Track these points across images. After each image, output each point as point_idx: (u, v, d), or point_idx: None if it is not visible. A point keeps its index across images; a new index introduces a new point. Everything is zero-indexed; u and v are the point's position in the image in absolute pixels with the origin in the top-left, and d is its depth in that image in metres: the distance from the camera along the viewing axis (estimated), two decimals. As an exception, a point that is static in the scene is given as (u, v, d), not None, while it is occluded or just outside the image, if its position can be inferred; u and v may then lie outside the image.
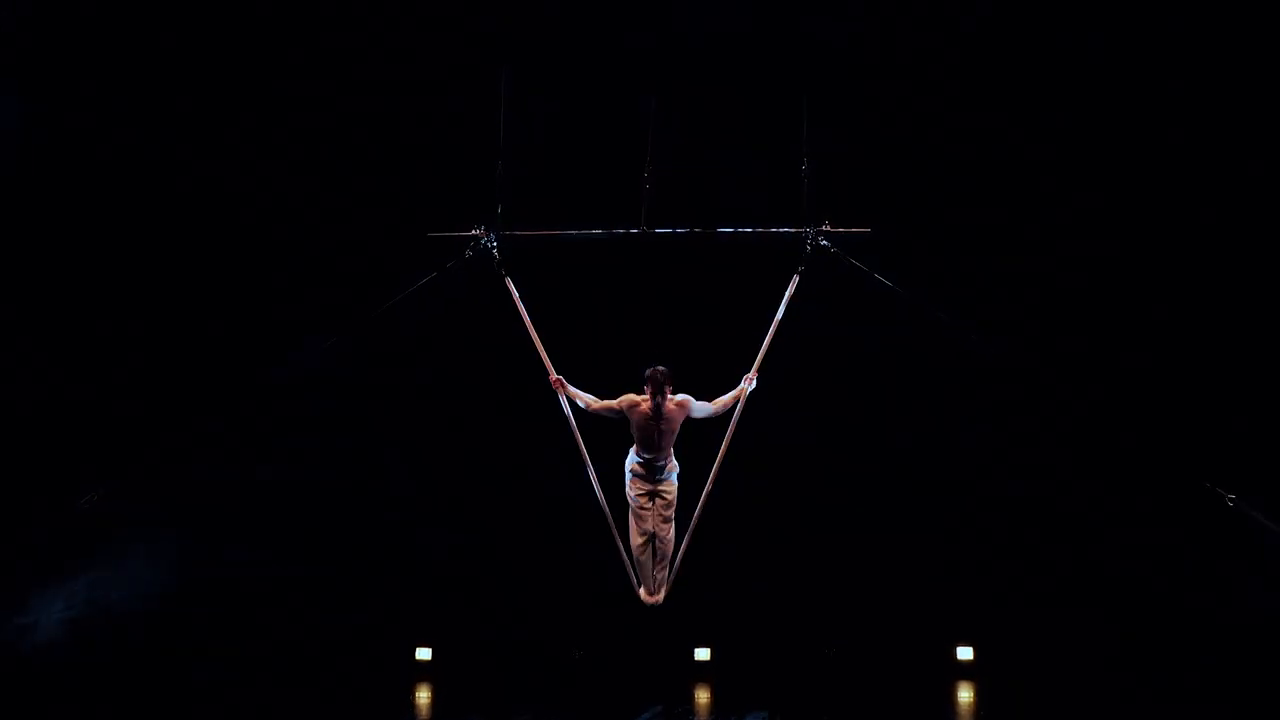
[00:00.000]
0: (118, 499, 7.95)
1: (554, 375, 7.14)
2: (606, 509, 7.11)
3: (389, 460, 10.08)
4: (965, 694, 9.50)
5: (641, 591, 7.25)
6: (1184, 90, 9.51)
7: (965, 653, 10.01)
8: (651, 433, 7.08)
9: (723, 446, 7.08)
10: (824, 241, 7.16)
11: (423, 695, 9.37)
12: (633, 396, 7.12)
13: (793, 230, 7.26)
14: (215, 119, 9.64)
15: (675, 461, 7.27)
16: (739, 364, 7.18)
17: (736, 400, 7.15)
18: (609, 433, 7.35)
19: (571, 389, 7.17)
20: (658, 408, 7.03)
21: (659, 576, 7.25)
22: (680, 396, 7.12)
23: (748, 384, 7.13)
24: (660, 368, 7.06)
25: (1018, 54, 9.63)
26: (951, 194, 9.82)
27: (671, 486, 7.25)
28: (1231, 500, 7.54)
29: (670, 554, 7.21)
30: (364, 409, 9.95)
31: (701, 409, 7.19)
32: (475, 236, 7.29)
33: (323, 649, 9.77)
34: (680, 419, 7.13)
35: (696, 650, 10.04)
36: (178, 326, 9.67)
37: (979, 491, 9.88)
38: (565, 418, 7.14)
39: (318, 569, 9.81)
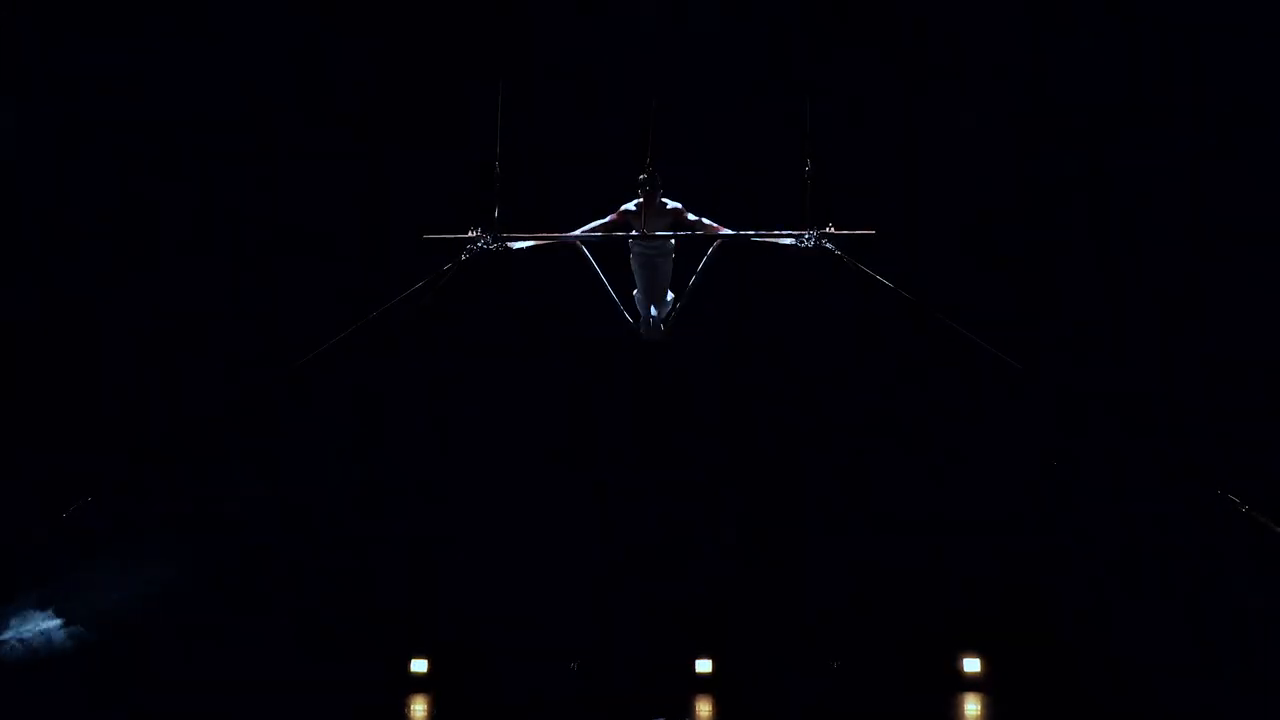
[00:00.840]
0: (110, 504, 7.86)
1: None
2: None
3: (385, 467, 10.01)
4: (972, 707, 9.43)
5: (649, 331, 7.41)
6: (1192, 91, 9.41)
7: (972, 664, 9.89)
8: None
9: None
10: (827, 244, 7.04)
11: (418, 708, 9.31)
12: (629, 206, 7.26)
13: (796, 233, 7.13)
14: (212, 121, 9.58)
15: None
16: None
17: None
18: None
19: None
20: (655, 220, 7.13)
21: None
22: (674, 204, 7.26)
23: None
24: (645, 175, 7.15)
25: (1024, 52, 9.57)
26: (956, 196, 9.71)
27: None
28: (1245, 509, 7.42)
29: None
30: (360, 414, 9.88)
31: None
32: (472, 239, 7.17)
33: (316, 660, 9.66)
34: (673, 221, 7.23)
35: (698, 662, 9.90)
36: (175, 331, 9.61)
37: (984, 496, 9.78)
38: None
39: (312, 579, 9.77)
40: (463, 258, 7.19)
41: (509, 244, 7.21)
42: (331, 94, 9.68)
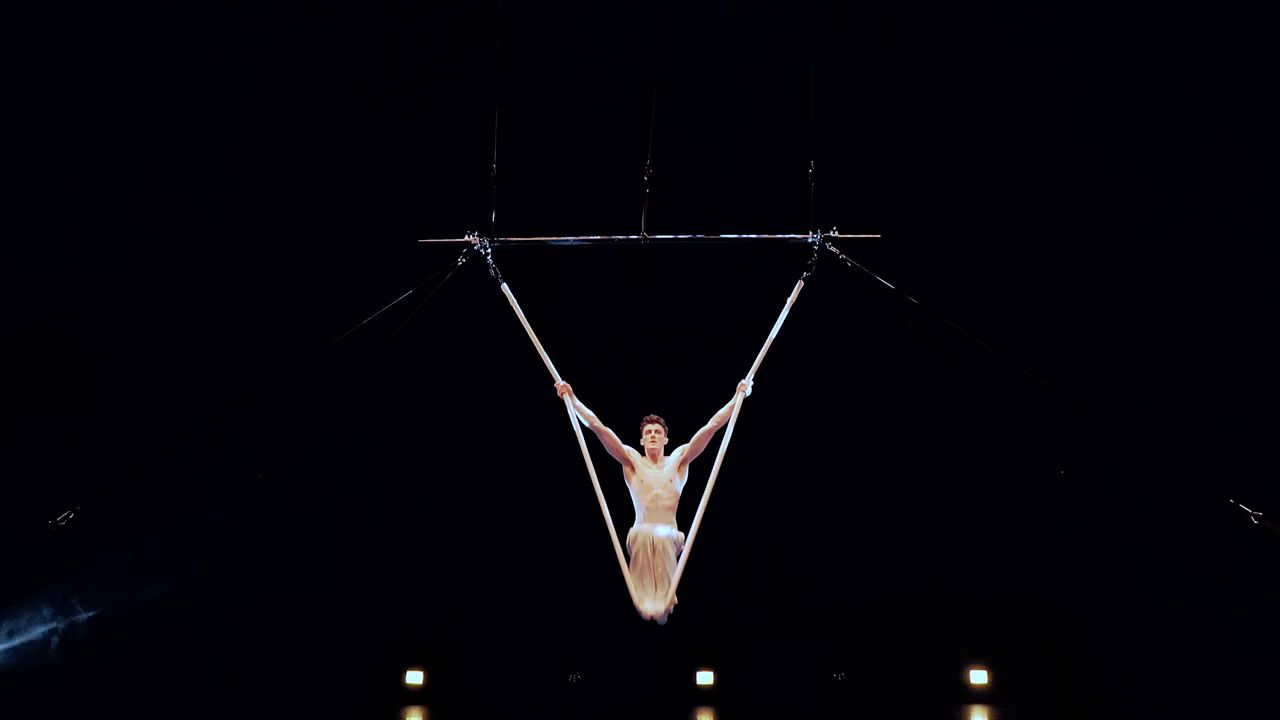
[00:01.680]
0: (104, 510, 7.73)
1: (560, 382, 6.79)
2: (610, 523, 6.58)
3: (380, 475, 9.91)
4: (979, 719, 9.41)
5: (646, 606, 6.58)
6: (1208, 93, 9.26)
7: (979, 676, 9.77)
8: (655, 490, 6.65)
9: (720, 454, 6.62)
10: (832, 248, 6.85)
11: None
12: (634, 452, 6.74)
13: (799, 236, 6.93)
14: (205, 125, 9.48)
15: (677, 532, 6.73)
16: (738, 373, 6.86)
17: (731, 410, 6.72)
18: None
19: (577, 401, 6.79)
20: (657, 473, 6.67)
21: (661, 589, 6.63)
22: (673, 455, 6.73)
23: (742, 391, 6.75)
24: (651, 424, 6.75)
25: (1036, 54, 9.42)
26: (966, 199, 9.59)
27: (672, 540, 6.67)
28: (1257, 517, 7.26)
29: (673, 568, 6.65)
30: (357, 423, 9.69)
31: (694, 445, 6.76)
32: (468, 243, 7.00)
33: (313, 670, 9.62)
34: (679, 479, 6.71)
35: (699, 674, 9.82)
36: (169, 337, 9.51)
37: (989, 504, 9.66)
38: (572, 429, 6.73)
39: (307, 589, 9.67)
40: (459, 262, 7.00)
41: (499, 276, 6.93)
42: (325, 90, 9.58)
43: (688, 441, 6.76)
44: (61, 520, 7.25)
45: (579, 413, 6.77)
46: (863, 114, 9.32)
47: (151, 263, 9.53)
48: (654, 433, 6.75)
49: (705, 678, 9.81)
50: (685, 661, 9.79)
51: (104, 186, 9.37)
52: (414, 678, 9.80)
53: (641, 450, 6.76)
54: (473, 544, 9.85)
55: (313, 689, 9.48)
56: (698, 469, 6.83)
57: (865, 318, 8.52)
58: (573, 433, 6.70)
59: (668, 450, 6.79)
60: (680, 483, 6.74)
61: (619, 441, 6.76)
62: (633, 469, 6.72)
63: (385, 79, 9.54)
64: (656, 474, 6.70)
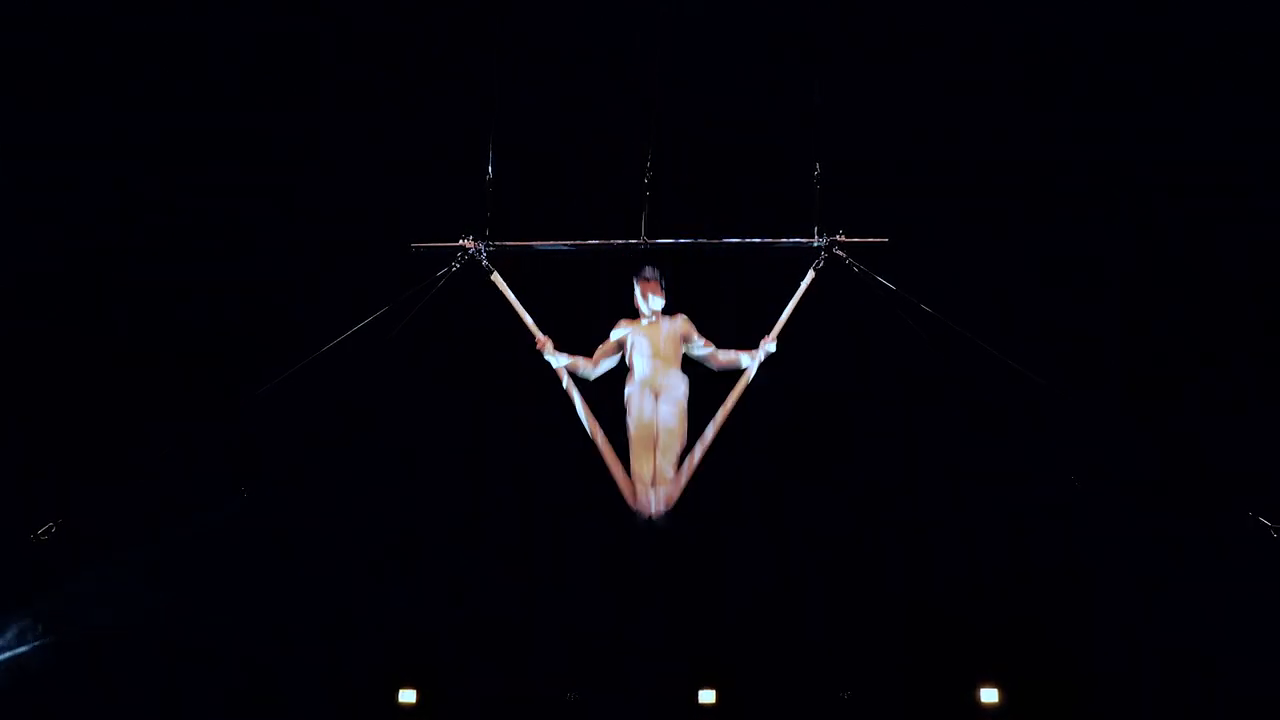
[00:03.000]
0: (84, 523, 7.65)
1: (540, 337, 6.63)
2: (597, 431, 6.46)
3: (372, 487, 9.72)
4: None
5: (644, 498, 6.30)
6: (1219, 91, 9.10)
7: (990, 695, 9.62)
8: (657, 349, 6.55)
9: (732, 397, 6.51)
10: (839, 252, 6.74)
11: None
12: (624, 321, 6.76)
13: (804, 241, 6.85)
14: (194, 129, 9.28)
15: (682, 377, 6.59)
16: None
17: (748, 360, 6.57)
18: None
19: (563, 355, 6.62)
20: (654, 319, 6.65)
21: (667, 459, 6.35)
22: (679, 321, 6.70)
23: (765, 344, 6.57)
24: (646, 269, 6.76)
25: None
26: (975, 202, 9.40)
27: (676, 410, 6.47)
28: (1277, 531, 7.40)
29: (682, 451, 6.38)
30: (347, 431, 9.47)
31: (700, 347, 6.67)
32: (463, 248, 6.89)
33: (301, 689, 9.50)
34: (680, 335, 6.63)
35: (700, 693, 9.67)
36: (150, 342, 9.30)
37: (1000, 516, 9.50)
38: (566, 392, 6.56)
39: (296, 602, 9.51)
40: (453, 268, 6.88)
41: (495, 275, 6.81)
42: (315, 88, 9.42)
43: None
44: (43, 534, 7.23)
45: (576, 367, 6.62)
46: (869, 116, 9.18)
47: (135, 263, 9.31)
48: (653, 286, 6.68)
49: (707, 696, 9.68)
50: (687, 680, 9.68)
51: (80, 185, 9.16)
52: (406, 696, 9.69)
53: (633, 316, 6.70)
54: (466, 558, 9.73)
55: (303, 706, 9.43)
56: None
57: (872, 323, 8.44)
58: (569, 403, 6.52)
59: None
60: (680, 333, 6.63)
61: (608, 341, 6.70)
62: (625, 338, 6.63)
63: (383, 79, 9.38)
64: (655, 332, 6.60)
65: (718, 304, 9.01)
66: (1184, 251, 9.27)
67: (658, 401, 6.48)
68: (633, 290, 6.79)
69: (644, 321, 6.72)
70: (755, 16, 9.24)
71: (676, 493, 6.34)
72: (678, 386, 6.53)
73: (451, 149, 8.74)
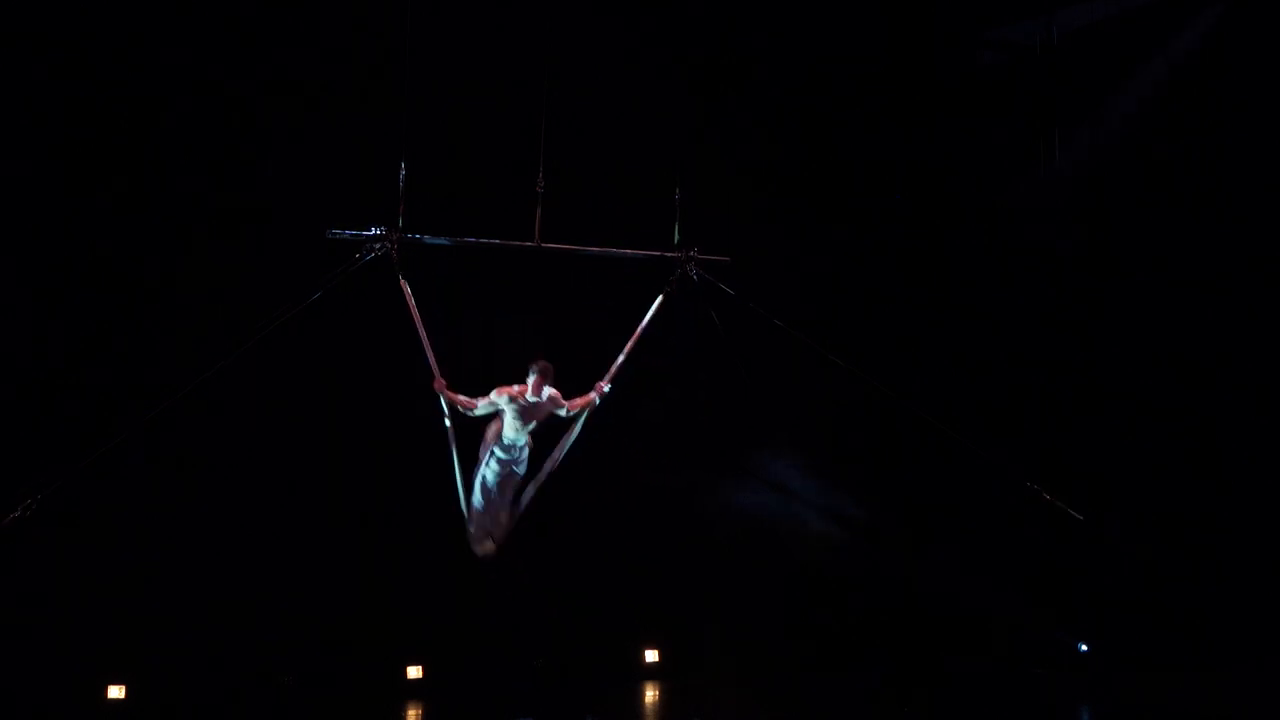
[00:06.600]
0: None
1: (439, 379, 7.18)
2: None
3: (357, 476, 9.45)
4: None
5: (484, 544, 7.30)
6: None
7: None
8: (527, 419, 7.23)
9: (562, 449, 7.31)
10: (693, 271, 7.58)
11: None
12: (506, 387, 7.24)
13: (668, 254, 7.70)
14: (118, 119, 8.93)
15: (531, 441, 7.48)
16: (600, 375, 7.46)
17: (585, 406, 7.35)
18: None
19: (452, 394, 7.20)
20: (536, 401, 7.20)
21: (505, 521, 7.35)
22: (554, 391, 7.36)
23: (598, 392, 7.34)
24: (545, 362, 7.31)
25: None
26: (817, 219, 10.20)
27: (525, 463, 7.45)
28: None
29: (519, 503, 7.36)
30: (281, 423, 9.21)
31: (563, 410, 7.39)
32: (375, 237, 7.25)
33: (310, 667, 9.19)
34: (549, 411, 7.34)
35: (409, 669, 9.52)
36: (74, 340, 8.79)
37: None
38: (444, 423, 7.15)
39: (298, 589, 9.18)
40: (358, 256, 7.23)
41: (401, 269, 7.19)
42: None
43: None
44: (20, 512, 7.00)
45: (457, 403, 7.19)
46: (727, 141, 9.84)
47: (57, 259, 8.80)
48: (548, 380, 7.31)
49: (414, 671, 9.46)
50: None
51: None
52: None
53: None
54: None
55: (312, 683, 9.13)
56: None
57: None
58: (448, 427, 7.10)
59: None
60: (551, 409, 7.33)
61: (490, 394, 7.23)
62: (513, 395, 7.21)
63: (301, 73, 9.24)
64: (531, 410, 7.26)
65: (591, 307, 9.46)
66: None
67: (517, 463, 7.38)
68: (527, 375, 7.26)
69: (526, 399, 7.25)
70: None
71: (507, 532, 7.41)
72: (529, 445, 7.47)
73: (368, 145, 8.71)
